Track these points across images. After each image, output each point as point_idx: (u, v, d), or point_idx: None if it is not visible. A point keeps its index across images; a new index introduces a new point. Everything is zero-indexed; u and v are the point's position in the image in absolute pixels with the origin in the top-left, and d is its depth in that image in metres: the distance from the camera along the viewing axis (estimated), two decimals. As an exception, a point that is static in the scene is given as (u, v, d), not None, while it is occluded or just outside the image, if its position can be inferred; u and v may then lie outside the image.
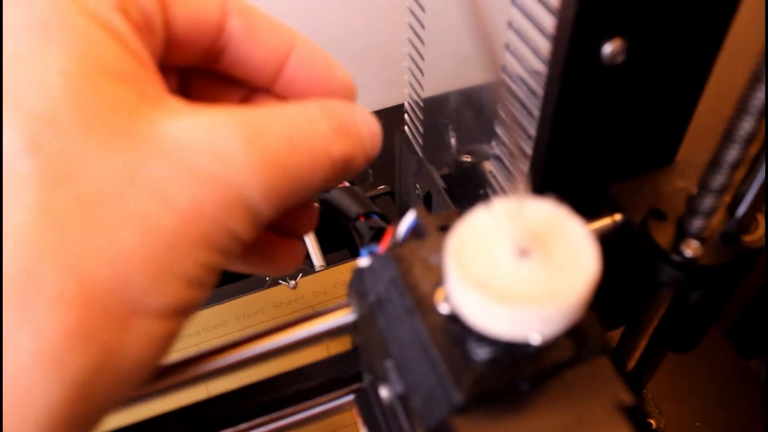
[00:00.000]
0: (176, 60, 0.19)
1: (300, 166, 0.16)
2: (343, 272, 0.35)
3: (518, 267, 0.14)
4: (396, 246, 0.18)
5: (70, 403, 0.13)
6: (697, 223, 0.20)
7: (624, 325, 0.26)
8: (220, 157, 0.15)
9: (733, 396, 0.35)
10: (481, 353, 0.15)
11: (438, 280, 0.16)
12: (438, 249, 0.17)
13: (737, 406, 0.35)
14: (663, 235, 0.21)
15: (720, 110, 0.23)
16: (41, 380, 0.13)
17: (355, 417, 0.22)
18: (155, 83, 0.16)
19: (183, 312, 0.15)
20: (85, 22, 0.15)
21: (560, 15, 0.18)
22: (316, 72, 0.20)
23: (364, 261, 0.18)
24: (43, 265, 0.13)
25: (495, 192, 0.27)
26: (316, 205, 0.23)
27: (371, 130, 0.19)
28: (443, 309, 0.16)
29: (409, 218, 0.18)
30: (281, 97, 0.21)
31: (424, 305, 0.16)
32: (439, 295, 0.16)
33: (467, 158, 0.31)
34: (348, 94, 0.21)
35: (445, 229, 0.18)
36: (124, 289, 0.14)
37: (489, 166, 0.29)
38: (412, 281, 0.16)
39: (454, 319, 0.16)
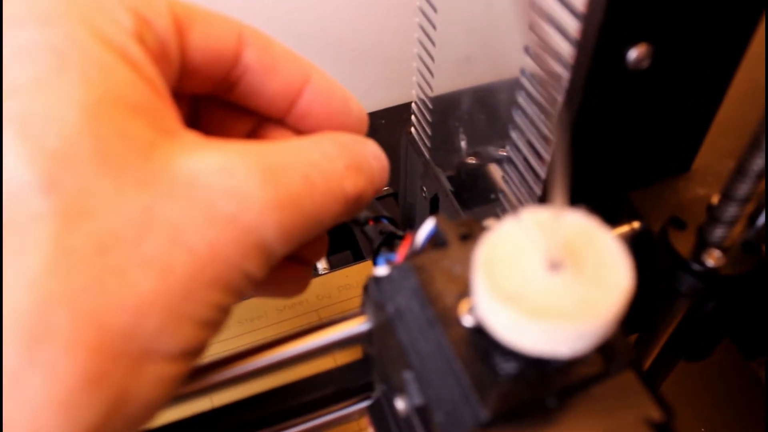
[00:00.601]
0: (190, 88, 0.19)
1: (315, 205, 0.16)
2: (347, 276, 0.34)
3: (550, 281, 0.14)
4: (415, 255, 0.18)
5: None
6: (719, 232, 0.20)
7: (638, 333, 0.25)
8: (237, 198, 0.15)
9: (736, 398, 0.35)
10: (507, 368, 0.15)
11: (461, 292, 0.16)
12: (461, 259, 0.16)
13: (740, 409, 0.35)
14: (683, 244, 0.20)
15: (733, 118, 0.23)
16: (53, 425, 0.12)
17: (366, 427, 0.22)
18: (170, 115, 0.16)
19: (193, 353, 0.15)
20: (101, 51, 0.15)
21: (586, 19, 0.18)
22: (331, 105, 0.20)
23: (381, 270, 0.18)
24: (57, 310, 0.13)
25: (506, 196, 0.26)
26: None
27: (381, 164, 0.19)
28: (467, 321, 0.15)
29: (428, 226, 0.18)
30: (294, 128, 0.21)
31: (447, 317, 0.16)
32: (462, 307, 0.15)
33: (472, 160, 0.30)
34: (361, 128, 0.21)
35: (466, 238, 0.17)
36: (138, 334, 0.13)
37: (496, 169, 0.28)
38: (434, 292, 0.16)
39: (478, 331, 0.15)
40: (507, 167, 0.25)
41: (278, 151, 0.16)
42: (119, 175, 0.14)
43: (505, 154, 0.25)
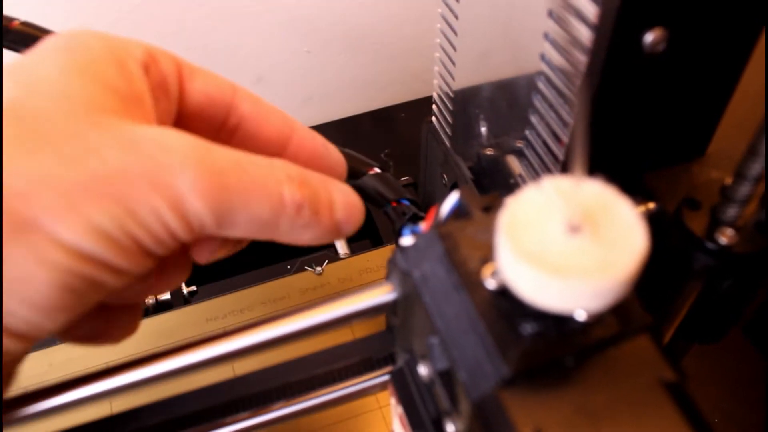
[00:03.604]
0: (198, 131, 0.21)
1: (243, 185, 0.18)
2: (368, 260, 0.35)
3: (570, 242, 0.15)
4: (439, 225, 0.19)
5: None
6: (732, 211, 0.21)
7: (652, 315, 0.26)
8: (161, 146, 0.17)
9: (751, 389, 0.35)
10: (528, 328, 0.15)
11: (485, 257, 0.17)
12: (484, 227, 0.17)
13: (755, 400, 0.35)
14: (697, 223, 0.21)
15: (748, 103, 0.23)
16: None
17: (390, 396, 0.23)
18: (145, 112, 0.18)
19: (85, 262, 0.16)
20: (104, 52, 0.18)
21: (603, 4, 0.19)
22: (315, 149, 0.23)
23: (407, 240, 0.18)
24: None
25: (525, 181, 0.27)
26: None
27: (347, 198, 0.21)
28: (490, 284, 0.16)
29: (452, 199, 0.19)
30: None
31: (471, 281, 0.16)
32: (486, 271, 0.16)
33: (491, 151, 0.31)
34: (340, 168, 0.24)
35: (488, 209, 0.18)
36: (30, 202, 0.15)
37: (514, 159, 0.29)
38: (459, 258, 0.17)
39: (501, 294, 0.16)
40: (526, 151, 0.25)
41: (221, 146, 0.18)
42: (68, 109, 0.17)
43: (522, 145, 0.26)
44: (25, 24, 0.27)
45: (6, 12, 0.27)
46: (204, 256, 0.22)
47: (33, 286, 0.16)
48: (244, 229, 0.18)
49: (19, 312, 0.16)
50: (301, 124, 0.23)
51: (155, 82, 0.20)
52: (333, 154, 0.24)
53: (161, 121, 0.20)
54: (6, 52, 0.27)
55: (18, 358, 0.17)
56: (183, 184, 0.17)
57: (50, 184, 0.16)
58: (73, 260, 0.16)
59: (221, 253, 0.22)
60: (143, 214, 0.16)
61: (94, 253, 0.16)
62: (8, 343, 0.16)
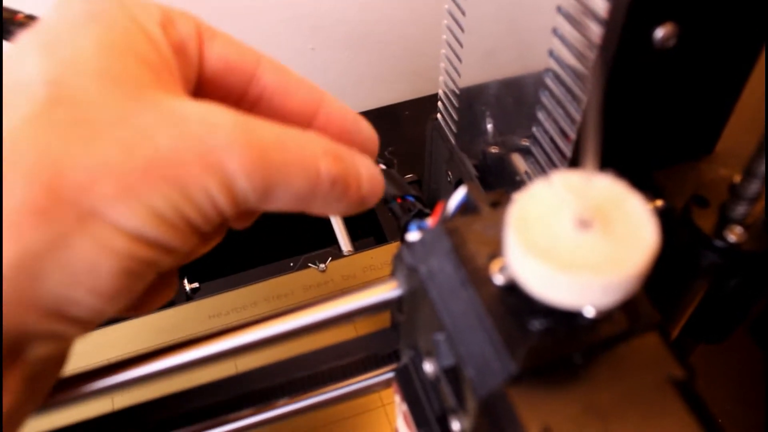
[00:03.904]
0: (216, 99, 0.20)
1: (285, 162, 0.18)
2: (372, 257, 0.35)
3: (579, 238, 0.14)
4: (446, 221, 0.19)
5: (18, 270, 0.15)
6: (740, 209, 0.20)
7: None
8: (207, 125, 0.17)
9: (755, 391, 0.35)
10: (536, 324, 0.15)
11: (493, 253, 0.16)
12: (492, 222, 0.17)
13: (759, 401, 0.35)
14: (705, 221, 0.21)
15: (756, 101, 0.23)
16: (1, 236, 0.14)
17: (394, 393, 0.22)
18: (173, 81, 0.18)
19: (144, 246, 0.16)
20: (126, 20, 0.18)
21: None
22: (344, 125, 0.22)
23: (413, 235, 0.18)
24: (25, 150, 0.15)
25: (531, 178, 0.27)
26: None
27: (370, 172, 0.20)
28: (498, 280, 0.16)
29: (459, 194, 0.19)
30: None
31: (478, 277, 0.16)
32: (494, 267, 0.16)
33: (496, 149, 0.31)
34: (373, 146, 0.23)
35: (496, 205, 0.18)
36: (91, 193, 0.15)
37: (519, 157, 0.29)
38: (467, 254, 0.17)
39: (509, 290, 0.16)
40: (533, 148, 0.25)
41: (260, 119, 0.18)
42: (111, 88, 0.16)
43: (529, 143, 0.26)
44: (29, 17, 0.27)
45: (11, 5, 0.27)
46: (239, 226, 0.22)
47: (98, 275, 0.16)
48: (282, 203, 0.18)
49: (85, 301, 0.16)
50: (331, 96, 0.22)
51: (174, 46, 0.19)
52: (365, 130, 0.23)
53: (184, 89, 0.19)
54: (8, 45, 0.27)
55: (72, 342, 0.18)
56: (231, 163, 0.17)
57: (110, 172, 0.16)
58: (135, 246, 0.16)
59: (251, 221, 0.23)
60: (196, 195, 0.17)
61: (153, 237, 0.16)
62: (72, 330, 0.16)
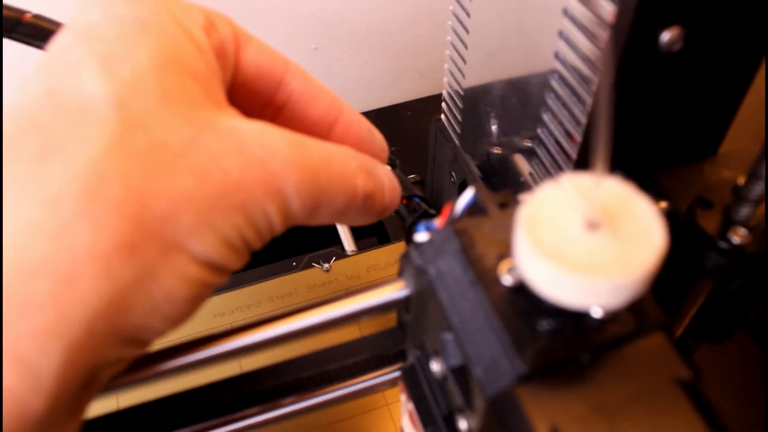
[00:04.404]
0: (244, 104, 0.21)
1: (330, 181, 0.18)
2: (376, 257, 0.35)
3: (588, 239, 0.15)
4: (454, 221, 0.19)
5: (108, 307, 0.15)
6: (744, 211, 0.21)
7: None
8: (267, 148, 0.17)
9: (756, 391, 0.35)
10: (544, 324, 0.15)
11: (502, 253, 0.17)
12: (500, 223, 0.17)
13: (761, 401, 0.35)
14: (710, 223, 0.21)
15: (760, 104, 0.23)
16: (87, 276, 0.14)
17: (400, 393, 0.23)
18: (219, 90, 0.18)
19: (211, 272, 0.17)
20: (175, 28, 0.18)
21: (621, 2, 0.19)
22: (360, 134, 0.23)
23: (422, 236, 0.18)
24: (111, 181, 0.15)
25: (535, 179, 0.27)
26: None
27: (392, 184, 0.21)
28: (507, 281, 0.16)
29: (467, 195, 0.19)
30: None
31: (487, 278, 0.16)
32: (502, 268, 0.16)
33: (499, 150, 0.31)
34: (383, 154, 0.24)
35: (504, 206, 0.18)
36: (173, 224, 0.15)
37: (522, 159, 0.29)
38: (475, 254, 0.17)
39: (518, 291, 0.16)
40: (538, 149, 0.25)
41: (306, 137, 0.19)
42: (174, 110, 0.16)
43: (533, 144, 0.26)
44: (37, 17, 0.27)
45: (18, 5, 0.27)
46: None
47: (174, 303, 0.16)
48: (322, 219, 0.19)
49: (158, 327, 0.16)
50: (350, 106, 0.23)
51: (215, 49, 0.19)
52: (377, 140, 0.23)
53: (226, 97, 0.19)
54: (21, 46, 0.27)
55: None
56: (289, 186, 0.17)
57: (188, 202, 0.16)
58: (205, 273, 0.16)
59: None
60: (258, 219, 0.17)
61: (220, 262, 0.17)
62: (139, 353, 0.17)
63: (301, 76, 0.22)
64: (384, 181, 0.21)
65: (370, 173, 0.20)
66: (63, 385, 0.15)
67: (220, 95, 0.18)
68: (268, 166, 0.17)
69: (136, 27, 0.17)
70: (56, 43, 0.17)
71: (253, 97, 0.21)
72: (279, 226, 0.18)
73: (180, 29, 0.18)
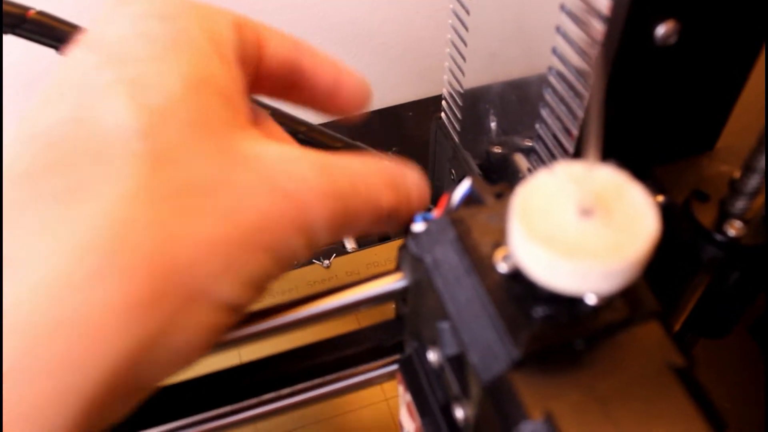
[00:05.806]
0: (264, 90, 0.21)
1: (357, 206, 0.18)
2: (375, 254, 0.35)
3: (582, 226, 0.15)
4: (451, 212, 0.19)
5: (127, 362, 0.14)
6: (740, 204, 0.21)
7: (659, 308, 0.26)
8: (295, 180, 0.17)
9: (753, 390, 0.35)
10: (539, 311, 0.16)
11: (497, 241, 0.17)
12: (496, 212, 0.17)
13: (758, 400, 0.35)
14: (706, 216, 0.21)
15: (757, 97, 0.24)
16: (110, 330, 0.14)
17: (398, 385, 0.23)
18: (244, 110, 0.18)
19: (232, 312, 0.16)
20: (206, 46, 0.17)
21: (616, -5, 0.19)
22: (359, 88, 0.23)
23: (418, 226, 0.19)
24: (138, 230, 0.14)
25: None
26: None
27: (419, 191, 0.21)
28: (502, 268, 0.16)
29: (464, 186, 0.19)
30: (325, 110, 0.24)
31: (483, 265, 0.17)
32: (498, 255, 0.16)
33: (498, 149, 0.31)
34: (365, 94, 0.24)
35: (500, 196, 0.18)
36: (198, 271, 0.15)
37: (522, 158, 0.29)
38: (471, 243, 0.17)
39: (513, 278, 0.16)
40: (536, 145, 0.26)
41: (332, 159, 0.18)
42: (204, 140, 0.16)
43: (532, 142, 0.27)
44: (40, 14, 0.28)
45: (22, 2, 0.28)
46: None
47: (194, 350, 0.16)
48: (343, 238, 0.19)
49: (167, 375, 0.16)
50: (341, 61, 0.23)
51: (241, 58, 0.19)
52: (363, 84, 0.24)
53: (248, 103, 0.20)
54: (24, 42, 0.28)
55: None
56: (318, 221, 0.17)
57: (216, 247, 0.15)
58: (226, 317, 0.16)
59: None
60: (285, 256, 0.17)
61: (242, 303, 0.16)
62: (141, 398, 0.16)
63: (308, 53, 0.22)
64: (410, 190, 0.20)
65: (396, 188, 0.19)
66: None
67: (245, 113, 0.18)
68: (298, 199, 0.16)
69: (167, 46, 0.17)
70: (79, 60, 0.16)
71: (270, 86, 0.21)
72: (304, 257, 0.17)
73: (210, 45, 0.17)
